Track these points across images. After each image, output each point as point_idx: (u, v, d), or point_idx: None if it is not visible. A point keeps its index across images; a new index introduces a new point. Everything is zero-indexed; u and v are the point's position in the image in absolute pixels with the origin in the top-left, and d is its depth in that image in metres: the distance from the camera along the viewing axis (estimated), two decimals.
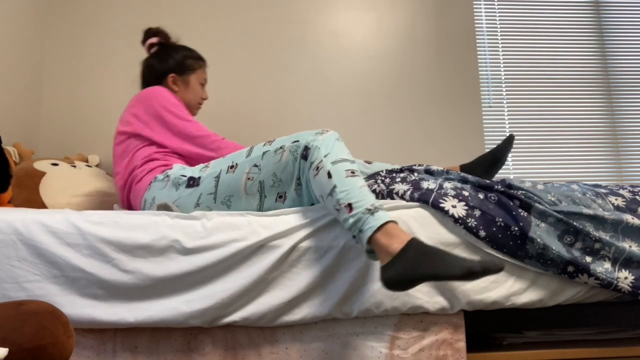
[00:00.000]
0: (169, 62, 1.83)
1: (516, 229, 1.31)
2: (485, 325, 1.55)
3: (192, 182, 1.47)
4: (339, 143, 1.32)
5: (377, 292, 1.27)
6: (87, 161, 2.26)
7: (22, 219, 1.24)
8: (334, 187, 1.23)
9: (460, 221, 1.31)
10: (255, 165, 1.39)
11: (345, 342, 1.28)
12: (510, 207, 1.34)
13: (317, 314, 1.25)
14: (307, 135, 1.36)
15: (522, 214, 1.33)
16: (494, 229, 1.31)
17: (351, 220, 1.18)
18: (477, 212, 1.33)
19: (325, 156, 1.28)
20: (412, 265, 1.08)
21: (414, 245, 1.11)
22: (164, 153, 1.62)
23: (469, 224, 1.31)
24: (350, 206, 1.19)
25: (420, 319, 1.30)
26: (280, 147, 1.37)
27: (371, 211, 1.17)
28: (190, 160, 1.65)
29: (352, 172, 1.26)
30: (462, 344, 1.30)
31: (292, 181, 1.37)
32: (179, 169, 1.54)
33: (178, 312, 1.22)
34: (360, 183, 1.24)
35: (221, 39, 2.54)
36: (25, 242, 1.21)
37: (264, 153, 1.40)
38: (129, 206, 1.64)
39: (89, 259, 1.21)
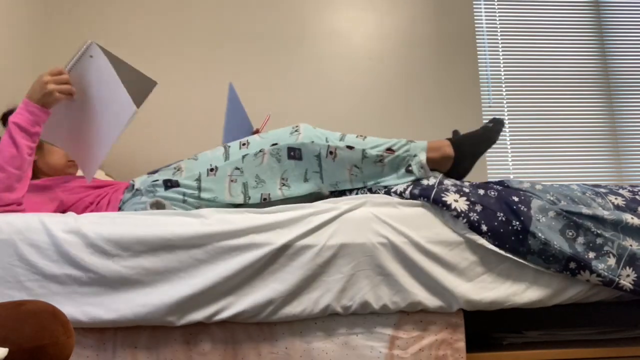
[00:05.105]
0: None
1: (517, 223, 1.31)
2: (485, 325, 1.55)
3: (170, 183, 1.45)
4: (319, 129, 1.44)
5: (376, 286, 1.27)
6: None
7: (23, 219, 1.25)
8: (363, 150, 1.36)
9: (462, 215, 1.31)
10: (237, 169, 1.41)
11: (345, 342, 1.28)
12: (510, 202, 1.35)
13: (316, 307, 1.25)
14: (283, 135, 1.41)
15: (522, 208, 1.34)
16: (496, 223, 1.31)
17: (400, 155, 1.36)
18: (479, 207, 1.33)
19: (327, 140, 1.39)
20: (469, 154, 1.39)
21: (456, 142, 1.37)
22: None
23: (471, 218, 1.31)
24: (390, 149, 1.36)
25: (419, 318, 1.30)
26: (260, 151, 1.40)
27: (410, 142, 1.36)
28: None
29: (362, 136, 1.42)
30: (462, 344, 1.30)
31: (276, 182, 1.39)
32: (144, 179, 1.49)
33: (176, 304, 1.21)
34: (375, 137, 1.42)
35: (220, 39, 2.54)
36: (27, 242, 1.21)
37: (243, 156, 1.41)
38: None
39: (90, 256, 1.21)
